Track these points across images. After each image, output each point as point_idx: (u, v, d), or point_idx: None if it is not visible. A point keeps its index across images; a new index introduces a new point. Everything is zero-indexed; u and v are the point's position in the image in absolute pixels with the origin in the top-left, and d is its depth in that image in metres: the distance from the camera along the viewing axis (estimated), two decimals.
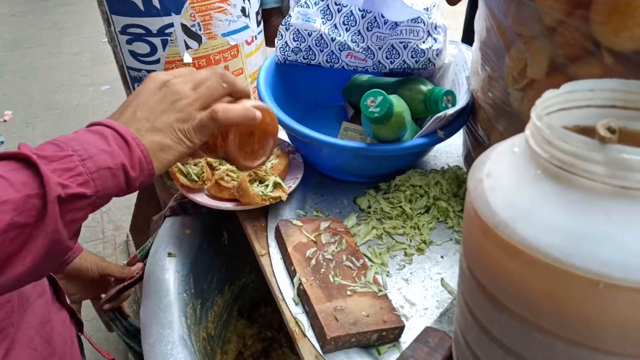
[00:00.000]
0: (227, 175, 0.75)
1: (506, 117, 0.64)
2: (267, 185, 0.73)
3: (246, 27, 1.35)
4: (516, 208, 0.37)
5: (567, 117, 0.43)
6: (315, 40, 0.79)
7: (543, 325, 0.37)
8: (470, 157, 0.78)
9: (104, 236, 2.50)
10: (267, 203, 0.71)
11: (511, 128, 0.62)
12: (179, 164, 0.75)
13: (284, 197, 0.72)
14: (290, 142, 0.85)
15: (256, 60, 1.44)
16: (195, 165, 0.76)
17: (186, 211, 0.78)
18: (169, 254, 0.70)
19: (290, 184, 0.76)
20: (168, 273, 0.68)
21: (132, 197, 2.61)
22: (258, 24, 1.42)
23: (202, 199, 0.73)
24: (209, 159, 0.80)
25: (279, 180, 0.74)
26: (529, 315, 0.37)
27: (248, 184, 0.71)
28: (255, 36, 1.41)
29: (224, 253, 0.85)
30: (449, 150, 0.89)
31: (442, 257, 0.69)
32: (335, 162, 0.79)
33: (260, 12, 1.45)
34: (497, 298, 0.39)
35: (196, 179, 0.74)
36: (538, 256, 0.34)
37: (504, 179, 0.40)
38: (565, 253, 0.33)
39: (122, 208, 2.67)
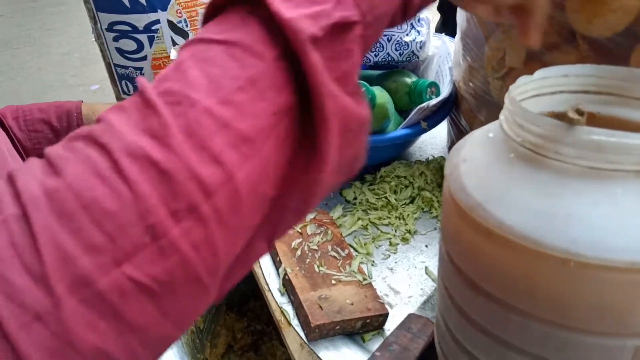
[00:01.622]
0: None
1: (487, 107, 0.64)
2: None
3: None
4: (490, 191, 0.38)
5: (541, 103, 0.44)
6: None
7: (518, 306, 0.37)
8: None
9: None
10: None
11: (492, 118, 0.63)
12: None
13: None
14: None
15: None
16: None
17: None
18: None
19: None
20: None
21: None
22: None
23: None
24: None
25: None
26: (504, 297, 0.38)
27: None
28: None
29: None
30: (434, 142, 0.89)
31: (426, 246, 0.70)
32: None
33: None
34: (473, 281, 0.40)
35: None
36: (511, 237, 0.35)
37: (479, 163, 0.41)
38: (536, 233, 0.34)
39: None
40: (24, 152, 0.68)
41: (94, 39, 1.45)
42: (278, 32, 0.25)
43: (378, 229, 0.73)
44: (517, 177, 0.37)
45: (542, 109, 0.44)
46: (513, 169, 0.38)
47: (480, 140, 0.43)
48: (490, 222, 0.37)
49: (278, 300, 0.60)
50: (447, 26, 1.53)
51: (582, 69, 0.43)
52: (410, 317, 0.56)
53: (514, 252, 0.35)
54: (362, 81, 0.68)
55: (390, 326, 0.59)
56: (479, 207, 0.38)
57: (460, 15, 0.67)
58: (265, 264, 0.65)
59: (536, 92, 0.44)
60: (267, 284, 0.62)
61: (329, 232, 0.68)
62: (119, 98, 1.47)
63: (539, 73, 0.43)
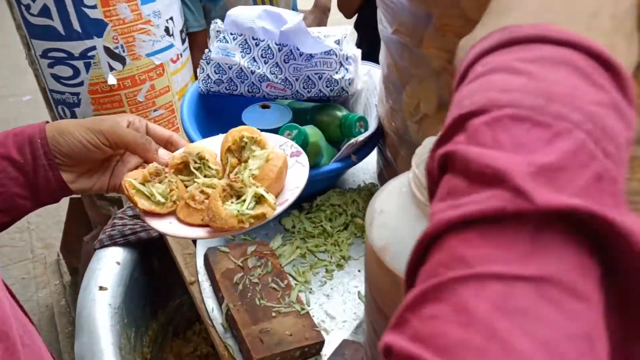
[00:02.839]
0: (202, 192, 0.57)
1: (407, 145, 0.71)
2: (244, 201, 0.53)
3: (171, 46, 1.37)
4: (400, 243, 0.44)
5: None
6: (236, 72, 0.83)
7: None
8: (382, 176, 0.86)
9: (33, 255, 2.41)
10: (247, 225, 0.52)
11: (411, 155, 0.69)
12: (136, 184, 0.57)
13: (270, 213, 0.53)
14: (294, 142, 0.65)
15: (182, 77, 1.46)
16: (160, 182, 0.58)
17: (115, 242, 0.80)
18: (100, 288, 0.73)
19: (287, 197, 0.56)
20: (100, 307, 0.70)
21: (62, 213, 2.53)
22: (183, 41, 1.44)
23: (168, 227, 0.56)
24: (181, 177, 0.60)
25: (261, 191, 0.54)
26: None
27: (219, 203, 0.53)
28: (181, 54, 1.43)
29: (156, 279, 0.88)
30: (366, 167, 0.96)
31: (359, 271, 0.76)
32: None
33: (184, 30, 1.47)
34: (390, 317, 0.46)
35: (162, 199, 0.57)
36: None
37: (392, 216, 0.47)
38: None
39: (52, 225, 2.59)
40: None
41: (24, 55, 1.42)
42: (606, 252, 0.20)
43: (315, 257, 0.78)
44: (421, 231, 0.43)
45: None
46: (420, 225, 0.44)
47: (394, 193, 0.49)
48: (399, 271, 0.42)
49: (222, 335, 0.64)
50: (363, 44, 1.61)
51: None
52: (343, 343, 0.62)
53: None
54: (294, 124, 0.73)
55: (327, 351, 0.64)
56: (391, 257, 0.44)
57: (382, 60, 0.74)
58: (208, 300, 0.69)
59: None
60: (211, 320, 0.66)
61: (269, 263, 0.73)
62: (54, 119, 1.45)
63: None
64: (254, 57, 0.84)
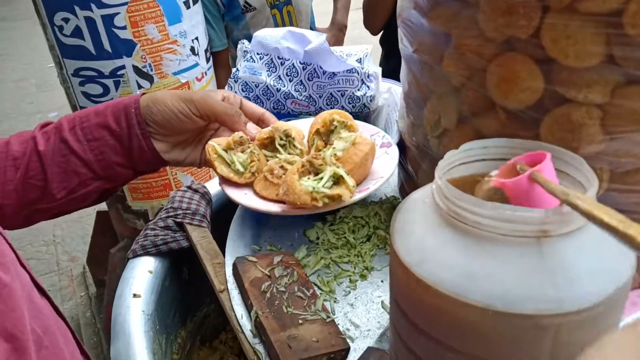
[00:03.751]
0: (281, 167, 0.56)
1: (428, 159, 0.74)
2: (321, 179, 0.52)
3: (196, 64, 1.42)
4: (426, 252, 0.46)
5: (467, 169, 0.53)
6: (262, 90, 0.87)
7: (452, 345, 0.46)
8: (403, 189, 0.88)
9: (59, 268, 2.48)
10: (320, 204, 0.50)
11: (433, 168, 0.72)
12: (218, 149, 0.56)
13: (347, 197, 0.51)
14: (385, 132, 0.61)
15: None
16: (242, 152, 0.58)
17: (147, 252, 0.84)
18: (134, 295, 0.76)
19: (369, 185, 0.54)
20: (134, 313, 0.73)
21: (87, 227, 2.60)
22: (207, 60, 1.49)
23: (243, 197, 0.55)
24: (265, 151, 0.59)
25: (341, 171, 0.52)
26: (440, 337, 0.46)
27: (295, 177, 0.51)
28: (205, 72, 1.48)
29: (185, 287, 0.91)
30: (387, 181, 0.98)
31: (382, 281, 0.78)
32: None
33: (209, 49, 1.52)
34: (416, 324, 0.48)
35: (241, 169, 0.57)
36: (443, 291, 0.43)
37: (417, 226, 0.50)
38: (462, 288, 0.43)
39: (77, 238, 2.66)
40: (85, 165, 0.58)
41: (50, 65, 1.49)
42: None
43: (339, 267, 0.80)
44: (445, 240, 0.46)
45: (468, 172, 0.53)
46: (442, 233, 0.46)
47: (418, 204, 0.52)
48: (427, 278, 0.45)
49: (251, 341, 0.67)
50: (389, 60, 1.63)
51: (498, 141, 0.52)
52: (369, 350, 0.64)
53: (446, 302, 0.44)
54: None
55: (352, 358, 0.66)
56: (418, 265, 0.46)
57: (403, 78, 0.76)
58: (237, 307, 0.72)
59: (463, 160, 0.53)
60: (240, 326, 0.69)
61: (295, 273, 0.75)
62: None
63: (464, 146, 0.52)
64: (279, 76, 0.87)
